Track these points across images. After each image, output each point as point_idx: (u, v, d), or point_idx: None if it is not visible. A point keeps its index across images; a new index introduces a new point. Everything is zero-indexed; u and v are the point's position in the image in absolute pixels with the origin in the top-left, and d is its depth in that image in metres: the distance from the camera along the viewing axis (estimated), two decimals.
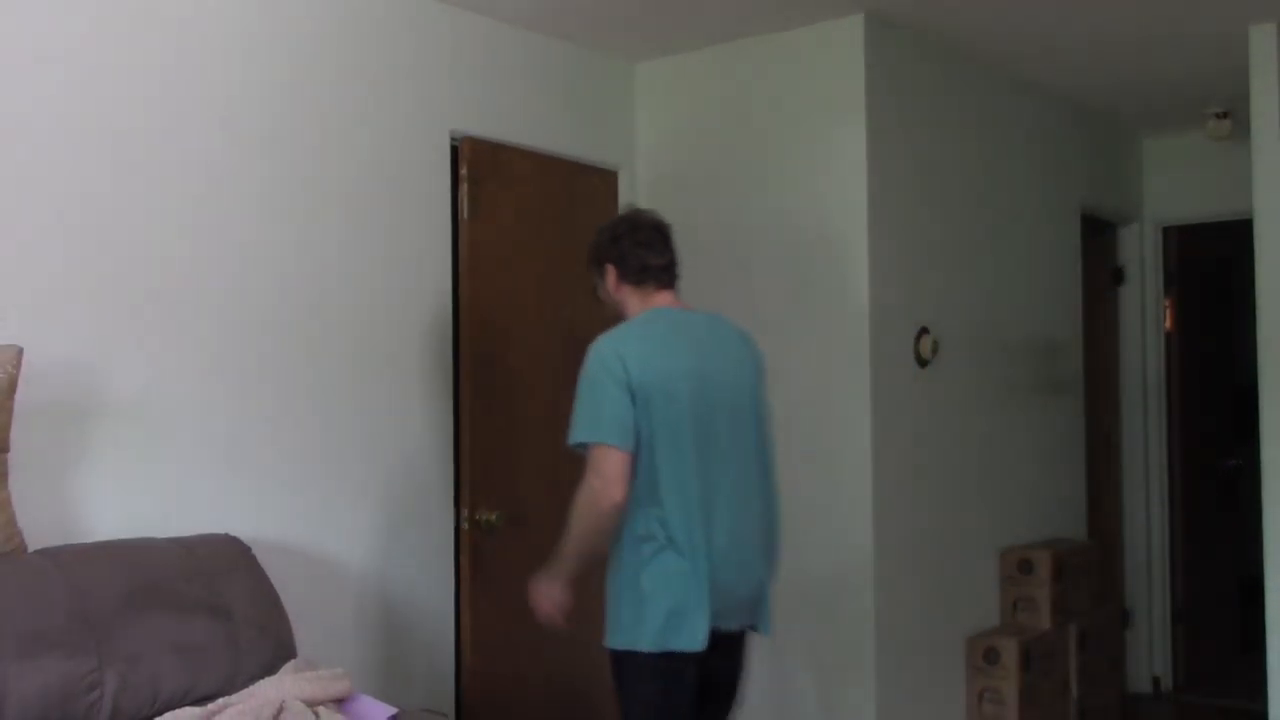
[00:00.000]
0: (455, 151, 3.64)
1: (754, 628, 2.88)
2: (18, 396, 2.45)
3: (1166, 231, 5.67)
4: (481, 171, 3.66)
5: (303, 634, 2.80)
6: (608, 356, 2.67)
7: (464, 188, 3.61)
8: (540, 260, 3.86)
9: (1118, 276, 5.69)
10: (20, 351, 2.45)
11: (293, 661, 2.60)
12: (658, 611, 2.66)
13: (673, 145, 4.19)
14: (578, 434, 2.66)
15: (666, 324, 2.78)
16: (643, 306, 2.83)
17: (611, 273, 2.84)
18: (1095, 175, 5.26)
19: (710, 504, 2.71)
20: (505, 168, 3.76)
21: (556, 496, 3.80)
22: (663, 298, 2.84)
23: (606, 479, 2.62)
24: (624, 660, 2.72)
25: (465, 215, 3.60)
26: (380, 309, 3.37)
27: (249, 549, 2.79)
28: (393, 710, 2.54)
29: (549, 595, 2.82)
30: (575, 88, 4.05)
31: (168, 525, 2.80)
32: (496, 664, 3.62)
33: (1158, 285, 5.65)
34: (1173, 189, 5.61)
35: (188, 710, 2.33)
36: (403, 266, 3.44)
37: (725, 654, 2.81)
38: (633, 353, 2.67)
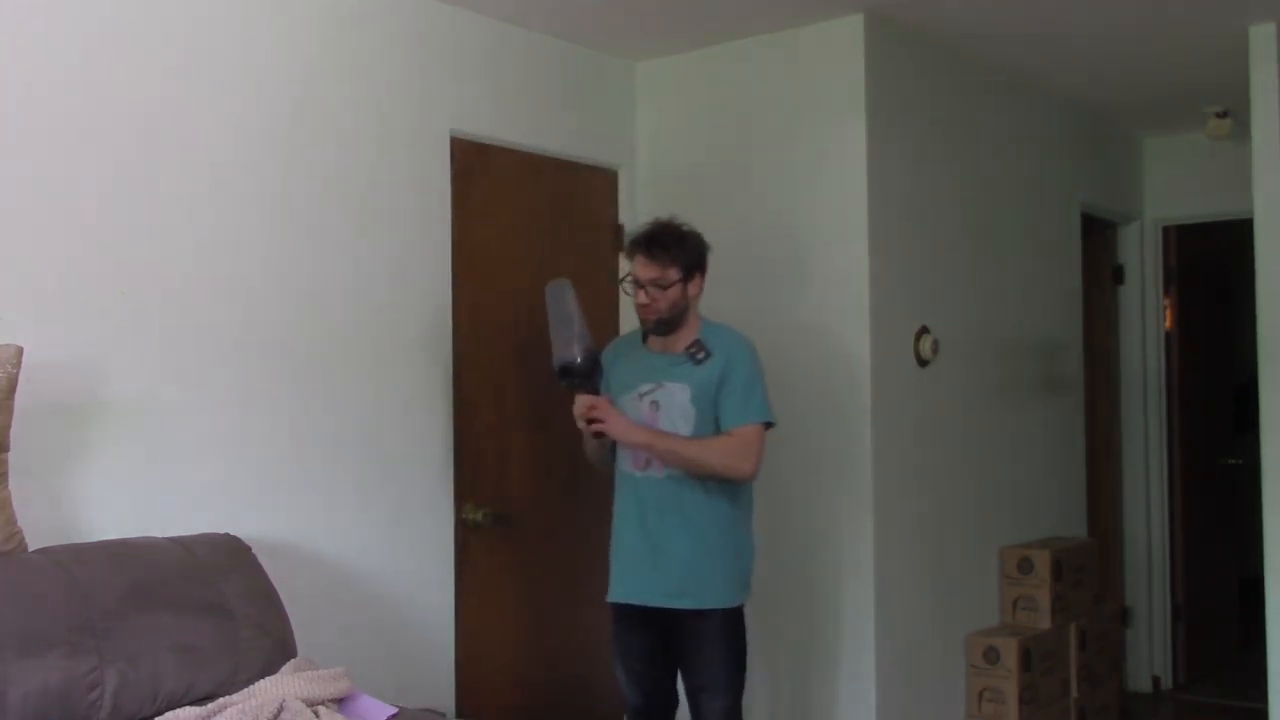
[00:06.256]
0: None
1: None
2: (18, 396, 2.46)
3: (1166, 230, 5.68)
4: (471, 169, 3.65)
5: (303, 634, 2.79)
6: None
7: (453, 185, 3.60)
8: (535, 257, 3.85)
9: (1118, 275, 5.69)
10: (20, 351, 2.45)
11: (292, 661, 2.60)
12: (747, 568, 3.16)
13: (673, 144, 4.19)
14: (768, 415, 3.07)
15: None
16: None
17: (698, 282, 3.13)
18: (1095, 174, 5.26)
19: None
20: (497, 167, 3.76)
21: (542, 495, 3.82)
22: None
23: (759, 460, 3.04)
24: (734, 615, 3.11)
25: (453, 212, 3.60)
26: (380, 308, 3.37)
27: (249, 549, 2.79)
28: (393, 710, 2.54)
29: (614, 413, 3.04)
30: (576, 87, 4.05)
31: (168, 525, 2.80)
32: (488, 661, 3.64)
33: (1158, 284, 5.65)
34: (1172, 188, 5.62)
35: (188, 710, 2.33)
36: (403, 266, 3.43)
37: None
38: None
